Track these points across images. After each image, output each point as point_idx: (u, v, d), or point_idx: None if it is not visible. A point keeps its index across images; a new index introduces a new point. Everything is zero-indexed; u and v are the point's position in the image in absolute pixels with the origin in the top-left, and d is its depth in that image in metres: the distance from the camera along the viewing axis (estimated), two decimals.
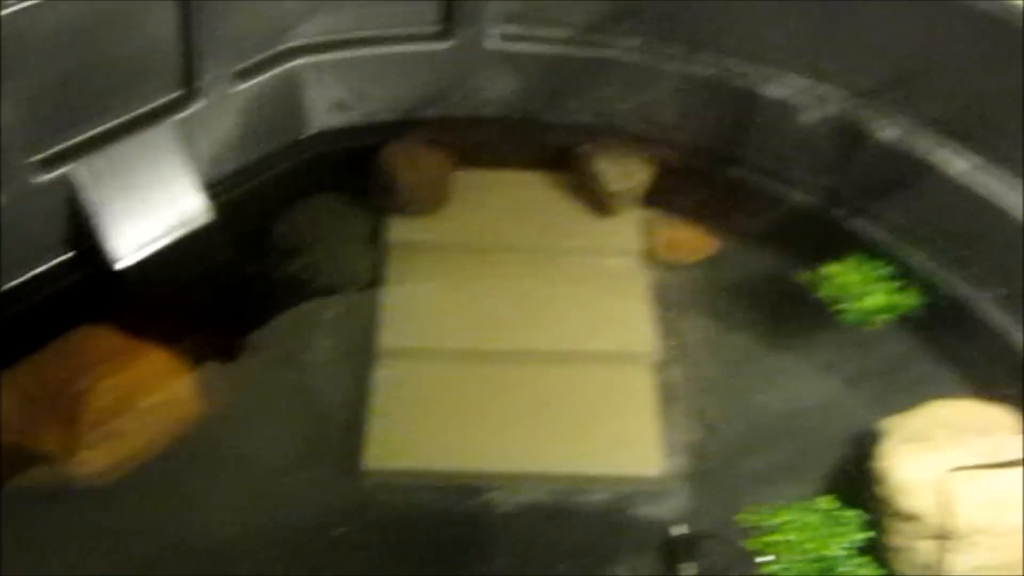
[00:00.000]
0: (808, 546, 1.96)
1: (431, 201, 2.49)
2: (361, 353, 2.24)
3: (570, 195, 2.56)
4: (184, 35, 2.25)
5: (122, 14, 2.11)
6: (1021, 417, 2.16)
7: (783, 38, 2.46)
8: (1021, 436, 2.13)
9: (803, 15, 2.42)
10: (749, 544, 1.96)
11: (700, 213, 2.53)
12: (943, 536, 2.00)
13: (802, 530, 1.98)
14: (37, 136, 2.13)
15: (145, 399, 2.09)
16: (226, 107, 2.41)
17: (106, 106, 2.22)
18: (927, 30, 2.30)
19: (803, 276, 2.39)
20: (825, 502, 2.02)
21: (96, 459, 2.01)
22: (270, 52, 2.47)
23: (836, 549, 1.96)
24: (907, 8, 2.27)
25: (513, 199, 2.53)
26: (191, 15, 2.21)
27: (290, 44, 2.51)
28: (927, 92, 2.36)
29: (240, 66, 2.42)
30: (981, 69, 2.24)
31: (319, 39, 2.53)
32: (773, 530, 1.98)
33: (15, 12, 1.91)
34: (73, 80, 2.11)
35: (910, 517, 2.03)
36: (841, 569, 1.93)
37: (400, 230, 2.44)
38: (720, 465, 2.13)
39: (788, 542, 1.96)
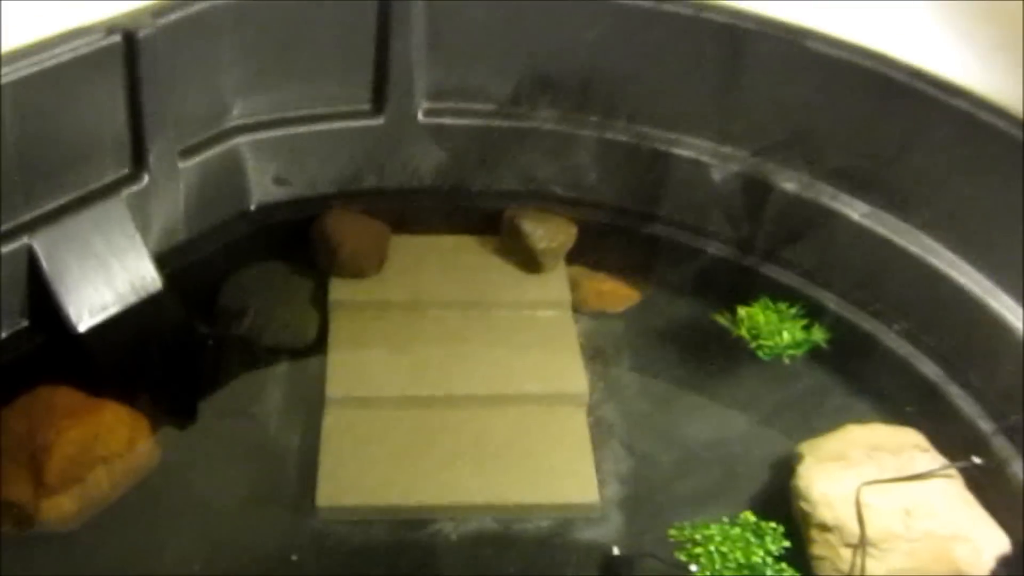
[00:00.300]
0: (734, 556, 2.10)
1: (371, 264, 2.65)
2: (310, 403, 2.38)
3: (501, 255, 2.73)
4: (132, 116, 2.41)
5: (74, 98, 2.27)
6: (926, 437, 2.35)
7: (689, 104, 2.69)
8: (927, 453, 2.31)
9: (704, 84, 2.64)
10: (680, 557, 2.09)
11: (623, 266, 2.72)
12: (861, 544, 2.16)
13: (727, 542, 2.12)
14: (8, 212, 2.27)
15: (107, 449, 2.19)
16: (173, 183, 2.56)
17: (61, 182, 2.37)
18: (819, 91, 2.53)
19: (721, 318, 2.55)
20: (748, 517, 2.16)
21: (62, 506, 2.11)
22: (213, 131, 2.64)
23: (759, 558, 2.09)
24: (799, 72, 2.50)
25: (448, 260, 2.70)
26: (138, 97, 2.37)
27: (231, 124, 2.67)
28: (823, 146, 2.59)
29: (185, 144, 2.57)
30: (870, 123, 2.47)
31: (258, 119, 2.69)
32: (701, 543, 2.11)
33: None
34: (29, 159, 2.26)
35: (830, 528, 2.20)
36: (766, 574, 2.06)
37: (342, 291, 2.59)
38: (651, 491, 2.29)
39: (715, 553, 2.09)
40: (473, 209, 2.83)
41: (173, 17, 2.43)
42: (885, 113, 2.50)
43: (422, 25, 2.67)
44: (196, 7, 2.46)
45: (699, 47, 2.63)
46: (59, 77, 2.30)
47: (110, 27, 2.38)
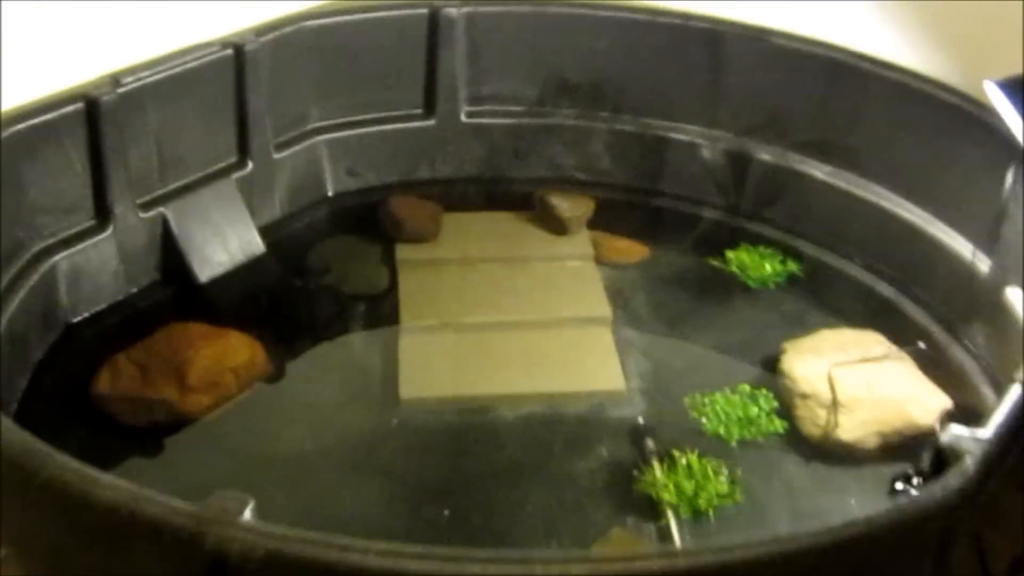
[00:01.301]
0: (735, 412, 2.68)
1: (428, 233, 3.26)
2: (387, 332, 2.95)
3: (534, 224, 3.33)
4: (239, 116, 3.06)
5: (197, 100, 2.94)
6: (884, 336, 2.94)
7: (681, 97, 3.33)
8: (884, 345, 2.90)
9: (693, 79, 3.29)
10: (693, 415, 2.68)
11: (635, 230, 3.32)
12: (832, 406, 2.74)
13: (730, 403, 2.71)
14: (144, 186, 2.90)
15: (233, 362, 2.75)
16: (270, 171, 3.19)
17: (187, 166, 3.00)
18: (785, 77, 3.18)
19: (715, 262, 3.18)
20: (744, 387, 2.75)
21: (201, 401, 2.68)
22: (298, 131, 3.27)
23: (754, 412, 2.68)
24: (768, 64, 3.15)
25: (491, 229, 3.31)
26: (244, 101, 3.05)
27: (312, 125, 3.31)
28: (790, 123, 3.22)
29: (277, 141, 3.22)
30: (826, 100, 3.11)
31: (332, 121, 3.33)
32: (709, 405, 2.70)
33: None
34: (163, 148, 2.91)
35: (808, 395, 2.75)
36: (761, 422, 2.65)
37: (406, 253, 3.19)
38: (667, 382, 2.83)
39: (720, 411, 2.68)
40: (509, 192, 3.43)
41: (271, 36, 3.06)
42: (837, 91, 3.12)
43: (463, 41, 3.31)
44: (289, 29, 3.11)
45: (687, 50, 3.26)
46: (186, 83, 2.94)
47: (224, 43, 3.03)
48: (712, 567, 1.59)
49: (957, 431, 1.82)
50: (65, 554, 1.82)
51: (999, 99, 2.55)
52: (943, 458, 1.79)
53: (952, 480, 1.71)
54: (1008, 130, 2.60)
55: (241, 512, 1.63)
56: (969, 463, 1.72)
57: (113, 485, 1.68)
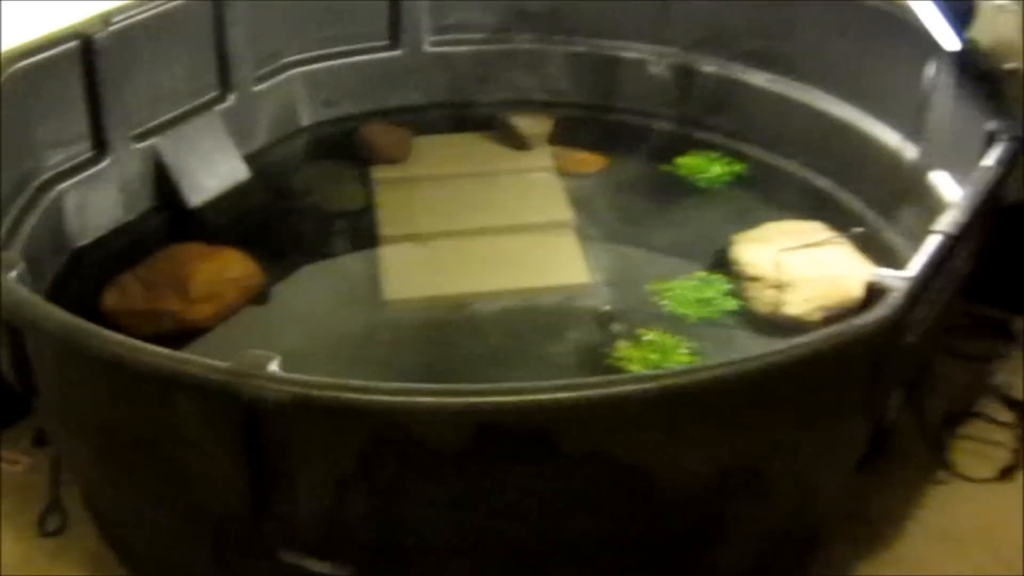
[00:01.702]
0: (692, 296, 2.97)
1: (401, 155, 3.51)
2: (369, 243, 3.19)
3: (498, 142, 3.60)
4: (219, 54, 3.29)
5: (182, 40, 3.16)
6: (824, 225, 3.22)
7: (631, 18, 3.60)
8: (825, 232, 3.19)
9: (642, 2, 3.56)
10: (654, 299, 2.96)
11: (592, 144, 3.59)
12: (780, 285, 3.03)
13: (687, 288, 2.99)
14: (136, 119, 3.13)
15: (231, 274, 2.98)
16: (250, 102, 3.43)
17: (175, 100, 3.23)
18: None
19: (667, 167, 3.46)
20: (700, 273, 3.03)
21: (204, 310, 2.91)
22: (275, 65, 3.51)
23: (710, 293, 2.97)
24: None
25: (458, 149, 3.56)
26: (224, 40, 3.28)
27: (288, 59, 3.55)
28: (732, 36, 3.49)
29: (256, 74, 3.46)
30: (763, 13, 3.39)
31: (306, 55, 3.58)
32: (669, 289, 2.98)
33: None
34: (153, 84, 3.14)
35: (758, 278, 3.03)
36: (716, 303, 2.93)
37: (381, 172, 3.44)
38: (629, 274, 3.07)
39: (678, 294, 2.96)
40: (474, 115, 3.68)
41: None
42: (772, 2, 3.41)
43: None
44: None
45: None
46: (170, 21, 3.15)
47: None
48: (687, 386, 1.86)
49: (883, 272, 2.10)
50: (115, 423, 2.06)
51: None
52: (872, 294, 2.07)
53: (879, 309, 1.99)
54: (925, 26, 2.88)
55: (269, 365, 1.88)
56: (894, 295, 2.01)
57: (155, 351, 1.93)
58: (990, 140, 2.52)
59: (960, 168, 2.63)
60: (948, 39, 2.78)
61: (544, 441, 1.85)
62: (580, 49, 3.62)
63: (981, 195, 2.30)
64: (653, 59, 3.56)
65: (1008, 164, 2.43)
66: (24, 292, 2.07)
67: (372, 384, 1.84)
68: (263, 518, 2.02)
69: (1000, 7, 2.79)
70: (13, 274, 2.14)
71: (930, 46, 2.91)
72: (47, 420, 2.33)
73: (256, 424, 1.87)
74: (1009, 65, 2.80)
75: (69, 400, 2.11)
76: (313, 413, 1.86)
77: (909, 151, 3.07)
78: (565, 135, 3.58)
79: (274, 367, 1.87)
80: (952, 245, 2.16)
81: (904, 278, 2.03)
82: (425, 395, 1.84)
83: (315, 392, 1.84)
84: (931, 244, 2.13)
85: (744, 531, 2.13)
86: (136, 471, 2.12)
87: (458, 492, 1.93)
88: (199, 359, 1.91)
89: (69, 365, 2.04)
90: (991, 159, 2.44)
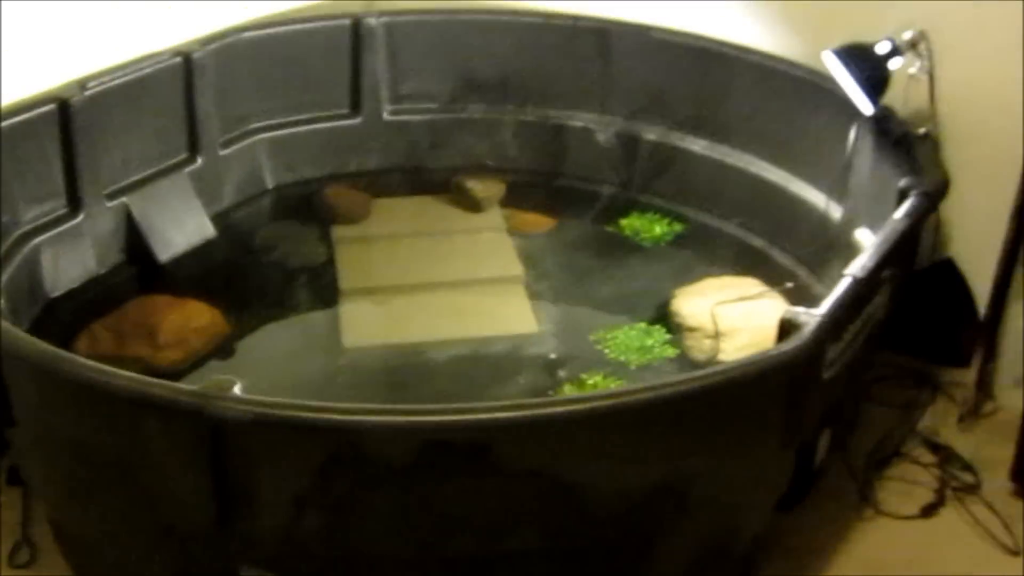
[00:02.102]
0: (633, 343, 3.17)
1: (360, 215, 3.71)
2: (329, 295, 3.38)
3: (452, 204, 3.80)
4: (189, 118, 3.48)
5: (155, 102, 3.37)
6: (758, 280, 3.44)
7: (577, 88, 3.83)
8: (759, 287, 3.40)
9: (586, 72, 3.80)
10: (597, 347, 3.16)
11: (541, 206, 3.81)
12: (716, 335, 3.23)
13: (628, 337, 3.19)
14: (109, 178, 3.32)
15: (196, 323, 3.14)
16: (216, 165, 3.64)
17: (146, 161, 3.41)
18: (664, 66, 3.68)
19: (611, 227, 3.68)
20: (642, 324, 3.23)
21: (171, 356, 3.07)
22: (241, 130, 3.71)
23: (650, 341, 3.17)
24: (649, 55, 3.66)
25: (414, 210, 3.76)
26: (193, 104, 3.47)
27: (253, 125, 3.75)
28: (671, 105, 3.73)
29: (223, 139, 3.66)
30: (699, 83, 3.61)
31: (270, 122, 3.78)
32: (612, 339, 3.18)
33: None
34: (125, 146, 3.32)
35: (695, 328, 3.24)
36: (656, 350, 3.13)
37: (341, 232, 3.62)
38: (574, 325, 3.27)
39: (621, 343, 3.16)
40: (429, 179, 3.88)
41: (215, 45, 3.48)
42: (708, 74, 3.62)
43: (383, 48, 3.79)
44: (231, 39, 3.55)
45: (578, 47, 3.74)
46: (142, 87, 3.36)
47: (174, 52, 3.47)
48: (614, 405, 2.05)
49: (796, 309, 2.31)
50: (87, 446, 2.22)
51: (835, 66, 3.08)
52: (785, 330, 2.27)
53: (791, 341, 2.19)
54: (846, 94, 3.13)
55: (232, 388, 2.06)
56: (805, 329, 2.21)
57: (127, 375, 2.10)
58: (902, 196, 2.74)
59: (881, 225, 2.84)
60: (864, 104, 3.01)
61: (485, 457, 2.02)
62: (529, 118, 3.84)
63: (888, 243, 2.51)
64: (598, 127, 3.78)
65: (916, 216, 2.65)
66: (4, 323, 2.23)
67: (326, 404, 2.02)
68: (226, 535, 2.16)
69: (912, 76, 3.03)
70: None
71: (852, 113, 3.14)
72: (22, 449, 2.48)
73: (220, 443, 2.04)
74: (922, 129, 3.03)
75: (44, 425, 2.27)
76: (272, 431, 2.04)
77: (835, 211, 3.28)
78: (516, 198, 3.79)
79: (237, 390, 2.04)
80: (860, 287, 2.36)
81: (814, 315, 2.23)
82: (374, 414, 2.01)
83: (274, 411, 2.01)
84: (841, 286, 2.34)
85: (672, 549, 2.29)
86: (106, 493, 2.27)
87: (406, 505, 2.09)
88: (167, 383, 2.09)
89: (45, 390, 2.19)
90: (901, 212, 2.65)
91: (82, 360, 2.12)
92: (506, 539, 2.14)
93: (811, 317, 2.22)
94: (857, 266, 2.41)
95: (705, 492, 2.25)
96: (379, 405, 2.03)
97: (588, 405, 2.05)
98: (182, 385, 2.07)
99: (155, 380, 2.10)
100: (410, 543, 2.14)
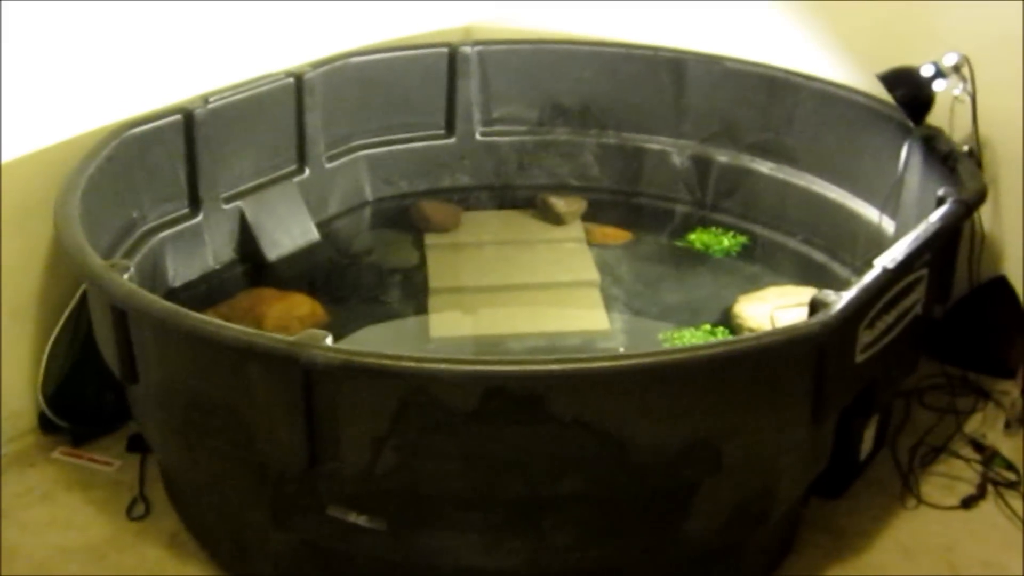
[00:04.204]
0: (697, 341, 3.43)
1: (450, 227, 4.05)
2: (420, 293, 3.73)
3: (537, 218, 4.12)
4: (299, 134, 3.84)
5: (268, 119, 3.73)
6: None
7: (654, 114, 4.13)
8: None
9: (663, 99, 4.09)
10: (664, 343, 3.43)
11: (619, 221, 4.11)
12: None
13: (693, 337, 3.44)
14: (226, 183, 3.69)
15: (299, 313, 3.51)
16: (323, 177, 4.01)
17: (259, 171, 3.77)
18: (734, 93, 3.97)
19: (682, 242, 3.97)
20: (706, 326, 3.50)
21: None
22: (345, 147, 4.07)
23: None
24: (721, 84, 3.94)
25: (501, 222, 4.08)
26: (303, 121, 3.82)
27: (356, 143, 4.12)
28: (741, 130, 4.01)
29: (329, 154, 4.04)
30: (767, 109, 3.88)
31: (372, 140, 4.14)
32: (678, 338, 3.46)
33: None
34: (242, 158, 3.69)
35: (754, 330, 3.50)
36: None
37: (433, 239, 3.95)
38: (644, 325, 3.57)
39: (686, 341, 3.41)
40: (516, 196, 4.21)
41: (324, 68, 3.86)
42: (775, 101, 3.90)
43: (477, 74, 4.13)
44: (338, 63, 3.93)
45: (657, 75, 4.06)
46: (258, 103, 3.75)
47: (287, 73, 3.85)
48: (654, 364, 2.32)
49: (825, 292, 2.57)
50: (199, 393, 2.55)
51: (883, 87, 3.35)
52: (815, 308, 2.54)
53: (817, 317, 2.46)
54: (899, 117, 3.39)
55: (324, 339, 2.39)
56: (831, 308, 2.48)
57: (234, 327, 2.44)
58: (940, 203, 2.99)
59: None
60: (908, 121, 3.27)
61: (539, 405, 2.30)
62: (610, 141, 4.16)
63: (919, 240, 2.75)
64: (673, 150, 4.08)
65: (950, 219, 2.89)
66: (133, 285, 2.59)
67: (403, 353, 2.32)
68: (315, 475, 2.47)
69: (956, 97, 3.28)
70: (126, 276, 2.66)
71: (904, 134, 3.38)
72: (142, 404, 2.83)
73: (312, 388, 2.34)
74: (965, 147, 3.28)
75: (163, 377, 2.62)
76: (357, 376, 2.33)
77: (888, 224, 3.52)
78: (596, 214, 4.09)
79: (328, 341, 2.36)
80: (888, 275, 2.61)
81: (841, 295, 2.49)
82: (443, 363, 2.31)
83: (357, 358, 2.32)
84: (870, 274, 2.59)
85: (708, 504, 2.55)
86: (213, 437, 2.60)
87: (469, 449, 2.37)
88: (268, 334, 2.41)
89: (165, 343, 2.54)
90: (936, 215, 2.90)
91: (197, 315, 2.45)
92: (555, 485, 2.39)
93: (838, 297, 2.46)
94: (887, 257, 2.64)
95: (738, 452, 2.47)
96: (447, 355, 2.31)
97: (630, 362, 2.31)
98: (280, 336, 2.37)
99: (257, 331, 2.41)
100: (471, 485, 2.40)
